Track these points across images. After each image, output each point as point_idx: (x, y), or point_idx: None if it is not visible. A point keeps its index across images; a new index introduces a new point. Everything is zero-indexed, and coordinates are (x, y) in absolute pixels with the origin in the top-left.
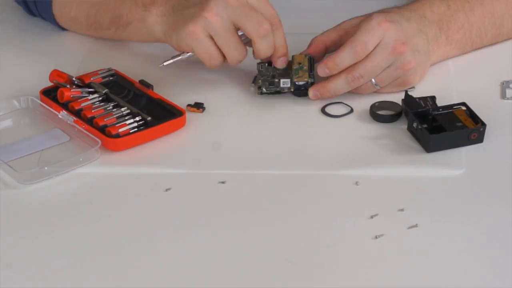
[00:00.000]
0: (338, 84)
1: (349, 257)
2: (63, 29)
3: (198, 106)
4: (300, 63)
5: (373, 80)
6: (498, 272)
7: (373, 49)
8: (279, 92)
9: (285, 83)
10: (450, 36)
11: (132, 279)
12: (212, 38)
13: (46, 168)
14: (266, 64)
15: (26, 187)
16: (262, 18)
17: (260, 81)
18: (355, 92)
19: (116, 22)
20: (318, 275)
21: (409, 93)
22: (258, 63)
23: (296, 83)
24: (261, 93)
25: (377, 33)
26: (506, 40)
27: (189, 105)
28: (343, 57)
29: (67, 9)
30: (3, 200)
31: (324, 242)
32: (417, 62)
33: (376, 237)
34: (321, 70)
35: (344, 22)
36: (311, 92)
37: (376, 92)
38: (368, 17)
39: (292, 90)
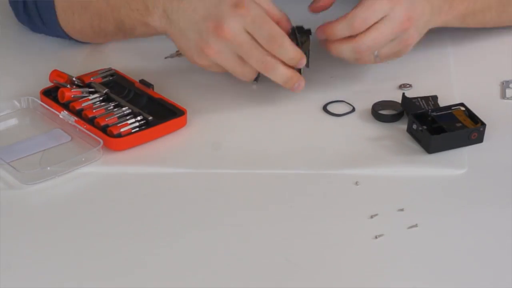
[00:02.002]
0: (344, 49)
1: (349, 257)
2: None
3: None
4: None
5: (375, 53)
6: (499, 273)
7: (381, 21)
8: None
9: None
10: (453, 6)
11: (133, 279)
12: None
13: (48, 168)
14: None
15: (29, 187)
16: (263, 54)
17: None
18: (356, 61)
19: (121, 29)
20: (318, 275)
21: (408, 91)
22: None
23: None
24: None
25: (381, 9)
26: (510, 22)
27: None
28: (340, 28)
29: (71, 23)
30: (6, 200)
31: (324, 242)
32: (418, 36)
33: (376, 237)
34: (320, 34)
35: None
36: (317, 31)
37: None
38: None
39: None
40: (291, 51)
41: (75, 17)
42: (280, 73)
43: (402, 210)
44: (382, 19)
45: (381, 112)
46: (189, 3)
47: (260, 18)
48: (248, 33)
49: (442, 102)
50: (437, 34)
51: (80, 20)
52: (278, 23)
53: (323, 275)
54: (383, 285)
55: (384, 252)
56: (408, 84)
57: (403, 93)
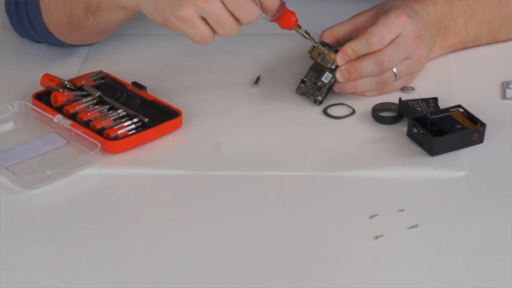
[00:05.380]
0: (366, 65)
1: (349, 257)
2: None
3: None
4: (320, 54)
5: (394, 70)
6: (499, 273)
7: (396, 39)
8: (330, 88)
9: (326, 77)
10: (445, 39)
11: (133, 280)
12: (204, 19)
13: (48, 172)
14: (310, 74)
15: (28, 192)
16: None
17: (316, 92)
18: (378, 86)
19: (89, 9)
20: (318, 275)
21: (410, 94)
22: (302, 80)
23: (332, 66)
24: (320, 103)
25: (395, 27)
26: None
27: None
28: (359, 46)
29: (50, 16)
30: (6, 206)
31: (324, 242)
32: (427, 58)
33: (376, 238)
34: (341, 58)
35: (355, 16)
36: (338, 73)
37: (380, 93)
38: (386, 11)
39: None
40: None
41: (51, 6)
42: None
43: (402, 210)
44: (397, 37)
45: (381, 114)
46: None
47: None
48: None
49: (443, 104)
50: None
51: (56, 9)
52: None
53: (323, 275)
54: (383, 285)
55: (384, 253)
56: (410, 87)
57: (400, 98)
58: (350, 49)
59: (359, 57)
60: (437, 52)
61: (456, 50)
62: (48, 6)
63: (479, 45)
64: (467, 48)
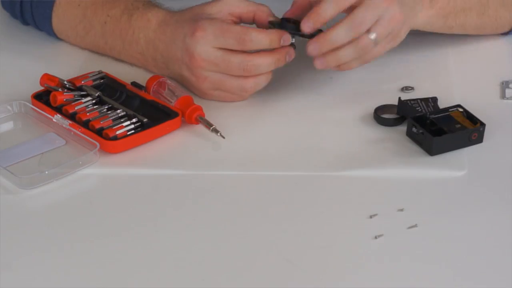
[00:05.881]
0: (339, 33)
1: (349, 257)
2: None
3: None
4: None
5: (372, 36)
6: (499, 273)
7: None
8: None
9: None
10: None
11: (132, 279)
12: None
13: (46, 172)
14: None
15: (27, 192)
16: (240, 61)
17: None
18: (358, 54)
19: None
20: (318, 275)
21: (409, 94)
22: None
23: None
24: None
25: (377, 10)
26: (491, 26)
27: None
28: (338, 34)
29: (66, 38)
30: (4, 206)
31: (323, 242)
32: (405, 15)
33: (375, 237)
34: (312, 48)
35: None
36: (310, 46)
37: (364, 62)
38: None
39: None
40: (265, 37)
41: (70, 39)
42: (266, 65)
43: (402, 210)
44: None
45: (383, 116)
46: (167, 49)
47: (219, 29)
48: (220, 48)
49: (442, 103)
50: (437, 36)
51: (76, 43)
52: (254, 16)
53: (323, 275)
54: (382, 285)
55: (384, 252)
56: (410, 87)
57: (399, 98)
58: (323, 39)
59: (330, 28)
60: (426, 14)
61: (449, 24)
62: (66, 39)
63: (470, 20)
64: (458, 23)
